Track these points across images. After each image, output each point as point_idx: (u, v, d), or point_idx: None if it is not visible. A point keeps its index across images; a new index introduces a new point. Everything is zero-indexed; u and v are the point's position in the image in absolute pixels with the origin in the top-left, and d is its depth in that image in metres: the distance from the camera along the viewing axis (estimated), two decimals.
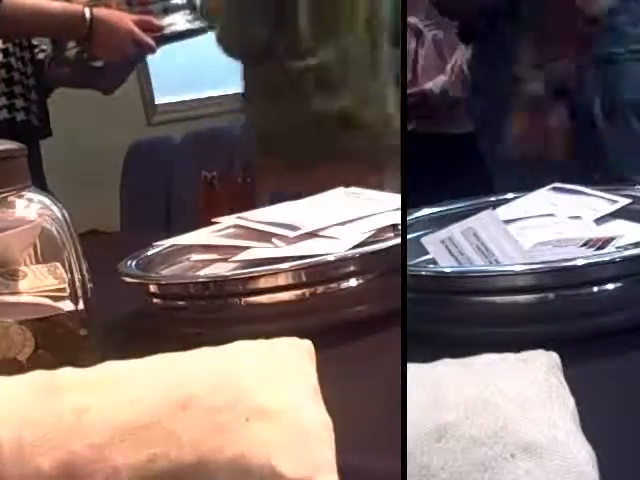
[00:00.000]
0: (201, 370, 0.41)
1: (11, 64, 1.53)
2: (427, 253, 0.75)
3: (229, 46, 1.43)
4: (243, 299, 0.70)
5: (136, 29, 1.43)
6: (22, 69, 1.55)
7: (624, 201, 0.78)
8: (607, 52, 1.36)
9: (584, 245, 0.69)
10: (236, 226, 0.81)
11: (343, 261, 0.69)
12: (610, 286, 0.61)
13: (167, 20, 1.52)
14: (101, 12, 1.42)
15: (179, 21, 1.53)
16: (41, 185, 1.54)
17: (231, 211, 0.87)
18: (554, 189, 0.83)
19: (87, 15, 1.40)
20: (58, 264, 0.56)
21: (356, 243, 0.73)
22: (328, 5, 1.33)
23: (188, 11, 1.55)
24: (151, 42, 1.46)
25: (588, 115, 1.35)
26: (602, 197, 0.79)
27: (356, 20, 1.34)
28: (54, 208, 0.57)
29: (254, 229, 0.79)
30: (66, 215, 0.57)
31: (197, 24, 1.57)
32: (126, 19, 1.43)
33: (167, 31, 1.51)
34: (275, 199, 0.97)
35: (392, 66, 1.37)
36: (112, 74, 1.60)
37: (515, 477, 0.38)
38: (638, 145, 1.41)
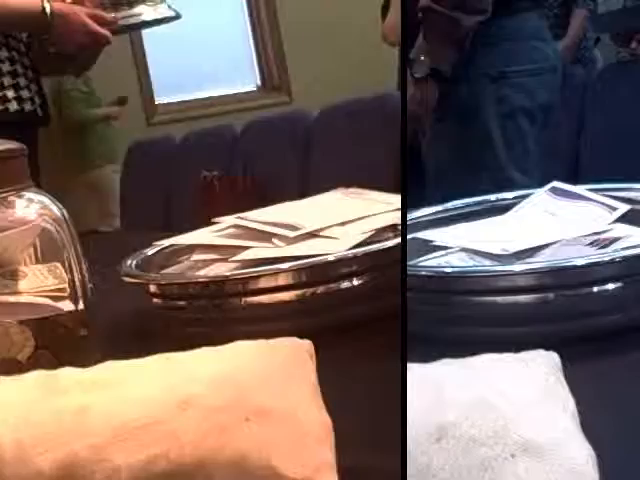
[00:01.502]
0: (201, 370, 0.41)
1: (13, 57, 1.57)
2: (427, 253, 0.75)
3: None
4: (243, 299, 0.70)
5: (89, 21, 1.51)
6: (20, 60, 1.59)
7: (623, 207, 0.78)
8: None
9: (590, 244, 0.69)
10: (236, 226, 0.81)
11: (343, 261, 0.69)
12: (610, 286, 0.61)
13: (135, 10, 1.56)
14: (58, 6, 1.50)
15: (146, 11, 1.58)
16: (36, 175, 1.57)
17: (231, 211, 0.88)
18: (553, 190, 0.82)
19: (47, 9, 1.48)
20: (58, 264, 0.56)
21: (356, 243, 0.73)
22: None
23: (155, 2, 1.60)
24: (105, 33, 1.52)
25: None
26: (601, 202, 0.79)
27: None
28: (54, 208, 0.57)
29: (254, 229, 0.79)
30: (66, 215, 0.57)
31: (164, 15, 1.61)
32: (80, 12, 1.51)
33: (134, 20, 1.56)
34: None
35: None
36: (80, 59, 1.66)
37: (515, 477, 0.38)
38: None
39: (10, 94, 1.56)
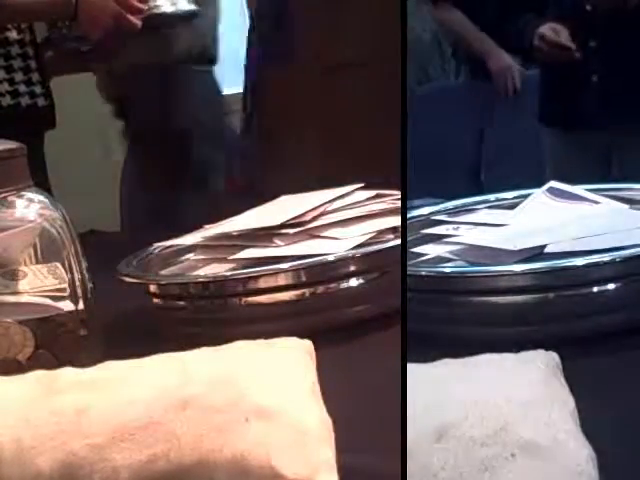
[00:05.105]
0: (201, 370, 0.41)
1: (9, 52, 1.56)
2: (427, 253, 0.75)
3: None
4: (243, 299, 0.70)
5: (118, 8, 1.46)
6: (21, 52, 1.57)
7: (622, 207, 0.78)
8: None
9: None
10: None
11: (343, 261, 0.69)
12: (610, 286, 0.61)
13: (153, 2, 1.54)
14: None
15: (165, 4, 1.56)
16: (44, 176, 1.55)
17: (231, 211, 0.87)
18: (550, 190, 0.82)
19: None
20: (58, 264, 0.56)
21: (357, 244, 0.72)
22: None
23: None
24: (135, 21, 1.49)
25: None
26: (599, 202, 0.78)
27: None
28: (54, 208, 0.57)
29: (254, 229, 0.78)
30: (66, 215, 0.57)
31: (183, 8, 1.59)
32: None
33: (153, 12, 1.54)
34: None
35: None
36: (100, 55, 1.64)
37: (515, 477, 0.38)
38: None
39: (3, 88, 1.54)
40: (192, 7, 1.61)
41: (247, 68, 1.45)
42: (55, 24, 1.62)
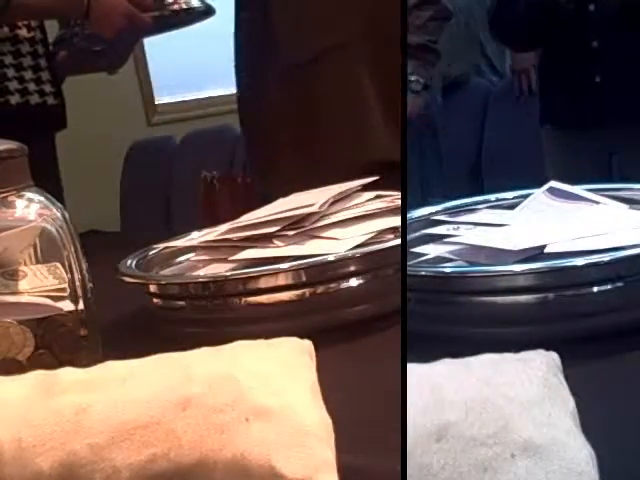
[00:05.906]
0: (201, 370, 0.41)
1: (19, 50, 1.55)
2: (427, 253, 0.75)
3: None
4: (243, 299, 0.70)
5: (130, 6, 1.45)
6: (31, 50, 1.57)
7: (622, 207, 0.78)
8: None
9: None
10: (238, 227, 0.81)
11: (343, 261, 0.69)
12: (610, 286, 0.61)
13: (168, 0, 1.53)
14: None
15: (181, 1, 1.54)
16: (55, 178, 1.53)
17: (231, 211, 0.87)
18: (550, 190, 0.82)
19: None
20: (58, 264, 0.56)
21: (357, 244, 0.73)
22: None
23: None
24: (146, 19, 1.48)
25: None
26: (599, 203, 0.78)
27: None
28: (54, 208, 0.57)
29: (254, 229, 0.79)
30: (66, 215, 0.57)
31: (191, 4, 1.57)
32: None
33: (167, 10, 1.52)
34: None
35: None
36: (113, 54, 1.63)
37: (515, 477, 0.38)
38: None
39: (12, 86, 1.54)
40: (201, 5, 1.59)
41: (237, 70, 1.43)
42: (67, 23, 1.61)
